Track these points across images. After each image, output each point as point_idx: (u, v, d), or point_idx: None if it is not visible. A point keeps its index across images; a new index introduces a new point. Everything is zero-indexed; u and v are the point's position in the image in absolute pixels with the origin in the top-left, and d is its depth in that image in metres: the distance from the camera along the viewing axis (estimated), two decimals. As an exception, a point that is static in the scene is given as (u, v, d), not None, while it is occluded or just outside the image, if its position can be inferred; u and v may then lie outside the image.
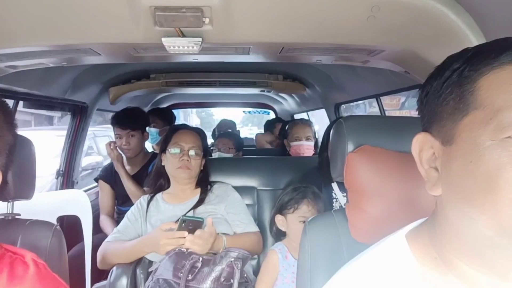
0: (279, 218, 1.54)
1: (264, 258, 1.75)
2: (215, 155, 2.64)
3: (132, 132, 2.27)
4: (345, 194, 1.65)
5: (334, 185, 1.69)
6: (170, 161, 1.66)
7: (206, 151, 1.77)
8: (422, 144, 0.53)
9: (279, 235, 1.59)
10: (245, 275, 1.40)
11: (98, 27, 1.02)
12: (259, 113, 5.70)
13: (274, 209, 1.61)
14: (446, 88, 0.50)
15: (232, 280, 1.32)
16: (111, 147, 2.21)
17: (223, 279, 1.32)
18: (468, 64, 0.48)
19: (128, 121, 2.28)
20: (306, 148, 2.47)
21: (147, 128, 2.51)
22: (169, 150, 1.67)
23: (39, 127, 8.36)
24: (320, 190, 1.64)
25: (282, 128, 3.54)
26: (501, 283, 0.48)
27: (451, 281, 0.51)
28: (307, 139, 2.50)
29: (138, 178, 2.24)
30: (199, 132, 1.77)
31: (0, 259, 0.71)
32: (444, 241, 0.52)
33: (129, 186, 2.18)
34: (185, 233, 1.40)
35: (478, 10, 0.89)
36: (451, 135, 0.49)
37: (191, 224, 1.40)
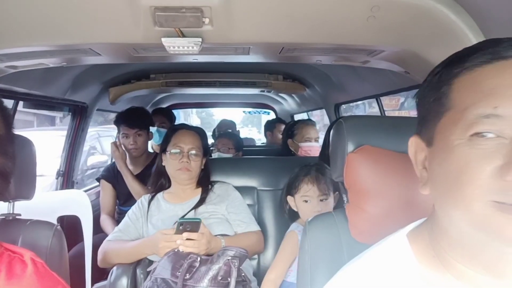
0: (290, 199, 1.52)
1: (264, 258, 1.75)
2: (215, 155, 2.64)
3: (140, 132, 2.30)
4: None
5: None
6: (170, 162, 1.66)
7: (206, 151, 1.76)
8: (416, 146, 0.55)
9: (293, 216, 1.55)
10: (242, 274, 1.40)
11: (98, 27, 1.03)
12: (259, 113, 5.69)
13: (283, 191, 1.58)
14: (427, 92, 0.53)
15: (229, 279, 1.32)
16: (116, 146, 2.22)
17: (220, 278, 1.32)
18: (445, 68, 0.51)
19: (136, 120, 2.31)
20: (316, 149, 2.47)
21: (156, 128, 2.56)
22: (169, 151, 1.67)
23: (41, 127, 8.43)
24: None
25: (287, 128, 3.54)
26: (497, 281, 0.48)
27: (450, 281, 0.51)
28: (316, 140, 2.50)
29: (141, 178, 2.23)
30: (199, 132, 1.76)
31: None
32: (439, 240, 0.53)
33: (133, 185, 2.18)
34: (183, 236, 1.40)
35: (478, 10, 0.89)
36: (431, 136, 0.52)
37: (188, 226, 1.40)
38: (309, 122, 2.68)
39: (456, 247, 0.50)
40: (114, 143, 2.24)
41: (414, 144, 0.56)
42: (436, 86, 0.51)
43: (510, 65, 0.45)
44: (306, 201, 1.46)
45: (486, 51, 0.47)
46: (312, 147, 2.47)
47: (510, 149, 0.43)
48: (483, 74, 0.47)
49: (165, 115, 3.03)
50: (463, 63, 0.48)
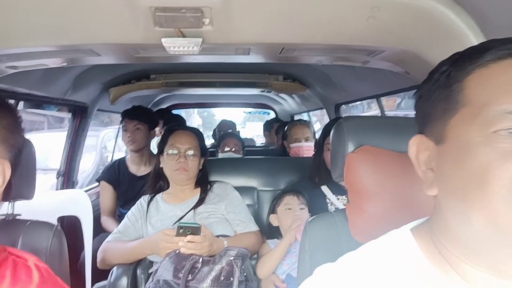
0: (273, 217, 1.68)
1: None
2: (226, 155, 2.61)
3: (139, 125, 2.30)
4: (338, 197, 1.65)
5: (324, 188, 1.69)
6: (168, 163, 1.65)
7: (204, 151, 1.75)
8: (418, 146, 0.54)
9: (272, 233, 1.68)
10: (245, 274, 1.40)
11: (98, 27, 1.03)
12: (259, 113, 5.70)
13: (268, 213, 1.74)
14: (434, 90, 0.52)
15: (232, 279, 1.33)
16: None
17: (223, 278, 1.33)
18: (454, 65, 0.50)
19: (136, 114, 2.33)
20: (305, 149, 2.46)
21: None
22: (166, 152, 1.66)
23: (52, 128, 8.73)
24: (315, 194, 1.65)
25: (278, 128, 3.53)
26: (502, 281, 0.48)
27: (452, 277, 0.51)
28: (306, 139, 2.49)
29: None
30: (195, 132, 1.75)
31: (3, 261, 0.70)
32: (443, 240, 0.52)
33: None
34: (186, 238, 1.40)
35: (478, 10, 0.89)
36: (442, 134, 0.50)
37: (189, 230, 1.40)
38: (297, 123, 2.65)
39: (461, 246, 0.49)
40: None
41: (416, 144, 0.55)
42: (444, 84, 0.50)
43: None
44: (289, 209, 1.63)
45: (501, 47, 0.46)
46: (300, 148, 2.46)
47: None
48: (500, 69, 0.46)
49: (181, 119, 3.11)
50: (476, 60, 0.48)
